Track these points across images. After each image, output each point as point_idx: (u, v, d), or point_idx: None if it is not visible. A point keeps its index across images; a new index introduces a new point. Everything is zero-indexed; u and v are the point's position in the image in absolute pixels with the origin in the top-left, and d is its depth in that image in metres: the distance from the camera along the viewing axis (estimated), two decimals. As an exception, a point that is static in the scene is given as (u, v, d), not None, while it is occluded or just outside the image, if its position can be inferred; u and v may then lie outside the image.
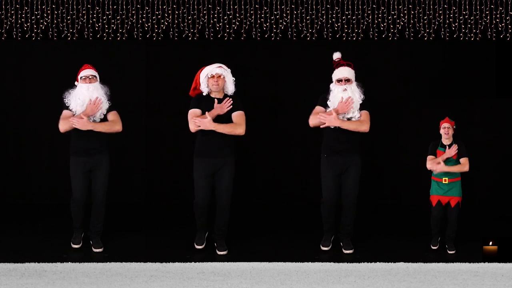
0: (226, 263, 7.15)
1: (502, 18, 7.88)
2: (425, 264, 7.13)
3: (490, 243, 7.32)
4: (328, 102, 7.41)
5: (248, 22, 7.94)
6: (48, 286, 6.53)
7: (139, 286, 6.55)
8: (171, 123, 9.15)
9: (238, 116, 7.37)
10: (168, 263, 7.08)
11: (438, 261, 7.20)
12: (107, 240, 7.72)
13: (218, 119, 7.30)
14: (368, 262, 7.15)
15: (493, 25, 7.89)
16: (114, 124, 7.40)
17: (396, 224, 8.56)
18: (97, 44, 8.81)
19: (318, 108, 7.45)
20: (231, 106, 7.35)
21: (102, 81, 7.53)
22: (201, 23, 7.94)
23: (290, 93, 9.21)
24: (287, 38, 8.00)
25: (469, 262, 7.17)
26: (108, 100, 7.41)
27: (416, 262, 7.14)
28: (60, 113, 7.40)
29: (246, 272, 6.92)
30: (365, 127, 7.38)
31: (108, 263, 7.08)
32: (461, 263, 7.14)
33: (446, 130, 7.45)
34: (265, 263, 7.13)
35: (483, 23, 7.89)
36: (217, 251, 7.47)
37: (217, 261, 7.19)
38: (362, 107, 7.40)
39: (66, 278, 6.71)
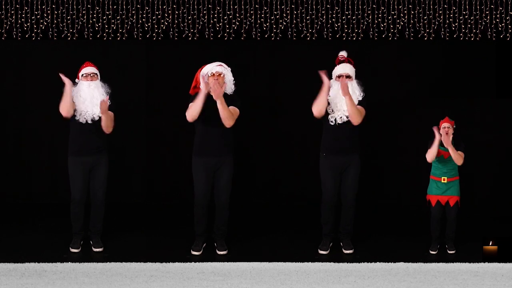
0: (226, 263, 7.15)
1: (502, 18, 7.88)
2: (425, 264, 7.13)
3: (490, 243, 7.32)
4: (328, 98, 7.40)
5: (248, 22, 7.94)
6: (48, 286, 6.52)
7: (139, 286, 6.55)
8: (171, 123, 9.14)
9: (233, 109, 7.34)
10: (168, 263, 7.08)
11: (438, 261, 7.20)
12: (107, 240, 7.72)
13: (213, 111, 7.26)
14: (368, 262, 7.15)
15: (493, 25, 7.89)
16: (112, 125, 7.39)
17: (396, 224, 8.55)
18: (97, 44, 8.80)
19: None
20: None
21: (102, 81, 7.53)
22: (201, 23, 7.94)
23: (290, 93, 9.21)
24: (287, 38, 8.00)
25: (469, 262, 7.17)
26: (109, 99, 7.41)
27: (416, 262, 7.14)
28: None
29: (246, 272, 6.91)
30: (359, 119, 7.33)
31: (108, 263, 7.08)
32: (461, 263, 7.14)
33: (446, 130, 7.44)
34: (265, 263, 7.12)
35: (483, 23, 7.89)
36: (217, 251, 7.47)
37: (217, 261, 7.19)
38: (358, 103, 7.39)
39: (66, 278, 6.71)
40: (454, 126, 7.50)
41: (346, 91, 7.22)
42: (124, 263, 7.08)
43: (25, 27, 7.88)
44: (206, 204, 7.46)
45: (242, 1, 7.92)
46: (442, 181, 7.47)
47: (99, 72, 7.52)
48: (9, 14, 7.87)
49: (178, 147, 9.22)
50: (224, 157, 7.38)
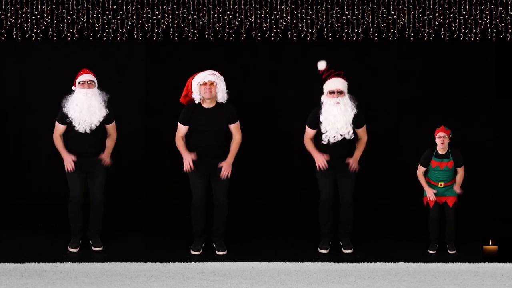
0: (226, 263, 7.15)
1: (502, 18, 7.87)
2: (425, 264, 7.12)
3: (490, 243, 7.32)
4: (320, 117, 7.33)
5: (248, 22, 7.93)
6: (48, 286, 6.52)
7: (139, 286, 6.55)
8: (171, 123, 9.12)
9: (237, 129, 7.41)
10: (168, 263, 7.08)
11: (438, 261, 7.20)
12: (107, 240, 7.71)
13: (203, 119, 7.29)
14: (368, 262, 7.15)
15: (493, 25, 7.88)
16: (114, 139, 7.48)
17: (396, 224, 8.55)
18: (97, 44, 8.80)
19: (310, 132, 7.42)
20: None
21: (102, 82, 7.52)
22: (201, 23, 7.94)
23: (290, 93, 9.20)
24: (287, 38, 7.99)
25: (469, 262, 7.17)
26: (106, 107, 7.37)
27: (416, 262, 7.14)
28: (56, 117, 7.36)
29: (246, 272, 6.91)
30: (365, 141, 7.46)
31: (108, 263, 7.08)
32: (461, 263, 7.14)
33: (441, 139, 7.40)
34: (265, 263, 7.12)
35: (483, 23, 7.89)
36: (216, 251, 7.47)
37: (217, 261, 7.19)
38: (357, 122, 7.34)
39: (66, 278, 6.71)
40: (450, 135, 7.47)
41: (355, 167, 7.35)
42: (124, 263, 7.08)
43: (25, 27, 7.87)
44: (203, 206, 7.45)
45: (242, 1, 7.92)
46: (439, 186, 7.48)
47: (99, 74, 7.51)
48: (9, 14, 7.86)
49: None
50: (220, 159, 7.37)
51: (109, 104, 7.43)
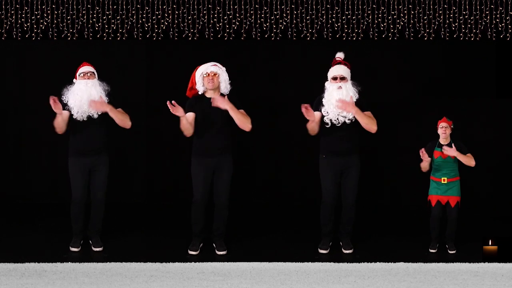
0: (226, 263, 7.15)
1: (502, 18, 7.87)
2: (425, 264, 7.13)
3: (490, 243, 7.32)
4: (323, 100, 7.39)
5: (248, 22, 7.94)
6: (48, 286, 6.53)
7: (139, 286, 6.55)
8: (171, 123, 9.13)
9: (243, 113, 7.35)
10: (168, 263, 7.08)
11: (438, 261, 7.20)
12: (107, 240, 7.72)
13: (210, 112, 7.27)
14: (368, 262, 7.15)
15: (493, 25, 7.88)
16: (127, 118, 7.42)
17: (396, 224, 8.56)
18: (97, 44, 8.81)
19: (315, 114, 7.42)
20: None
21: (101, 80, 7.53)
22: (201, 23, 7.94)
23: (290, 93, 9.21)
24: (287, 38, 8.00)
25: (469, 262, 7.17)
26: (107, 96, 7.42)
27: (416, 262, 7.14)
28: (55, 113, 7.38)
29: (246, 272, 6.92)
30: (375, 127, 7.35)
31: (108, 263, 7.08)
32: (461, 263, 7.14)
33: (443, 130, 7.45)
34: (265, 263, 7.13)
35: (483, 23, 7.89)
36: (216, 251, 7.47)
37: (217, 261, 7.19)
38: (362, 107, 7.37)
39: (66, 278, 6.71)
40: (452, 126, 7.50)
41: (349, 109, 7.22)
42: (124, 263, 7.08)
43: (25, 27, 7.88)
44: (204, 205, 7.46)
45: (242, 1, 7.92)
46: (442, 182, 7.47)
47: (99, 73, 7.53)
48: (9, 14, 7.86)
49: (178, 147, 9.22)
50: (223, 157, 7.38)
51: (110, 94, 7.44)
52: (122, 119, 7.38)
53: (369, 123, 7.31)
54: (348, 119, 7.34)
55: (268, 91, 9.29)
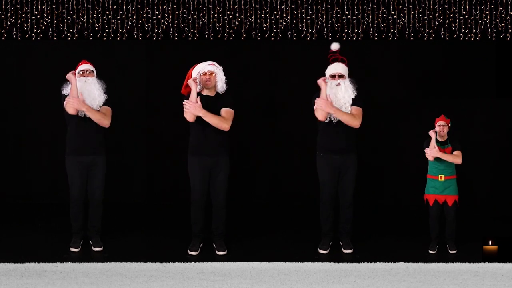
0: (226, 263, 7.15)
1: (502, 18, 7.88)
2: (425, 264, 7.13)
3: (490, 243, 7.32)
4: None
5: (248, 22, 7.94)
6: (48, 286, 6.52)
7: (139, 286, 6.55)
8: (171, 123, 9.15)
9: (227, 112, 7.34)
10: (168, 263, 7.08)
11: (438, 261, 7.20)
12: (107, 240, 7.71)
13: (207, 111, 7.27)
14: (368, 262, 7.15)
15: (493, 25, 7.89)
16: (104, 117, 7.41)
17: (396, 224, 8.56)
18: (97, 44, 8.81)
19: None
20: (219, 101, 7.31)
21: (101, 79, 7.53)
22: (201, 23, 7.94)
23: (290, 93, 9.21)
24: (287, 38, 8.00)
25: (469, 262, 7.17)
26: (105, 94, 7.43)
27: (416, 262, 7.14)
28: (61, 104, 7.37)
29: (246, 272, 6.91)
30: (356, 122, 7.34)
31: (108, 263, 7.08)
32: (461, 263, 7.14)
33: (441, 128, 7.45)
34: (265, 263, 7.12)
35: (483, 23, 7.89)
36: (216, 251, 7.47)
37: (217, 261, 7.19)
38: (354, 102, 7.37)
39: (66, 278, 6.71)
40: (450, 124, 7.51)
41: (327, 109, 7.23)
42: (124, 263, 7.08)
43: (25, 27, 7.88)
44: (203, 204, 7.46)
45: (242, 1, 7.92)
46: (439, 179, 7.46)
47: (99, 73, 7.54)
48: (9, 14, 7.87)
49: (177, 147, 9.21)
50: (219, 157, 7.37)
51: (108, 92, 7.45)
52: (98, 119, 7.37)
53: (349, 120, 7.31)
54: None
55: (268, 91, 9.29)
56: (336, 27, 7.94)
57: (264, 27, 7.95)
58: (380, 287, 6.57)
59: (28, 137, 9.34)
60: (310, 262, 7.14)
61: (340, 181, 7.50)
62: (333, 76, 7.40)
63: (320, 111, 7.32)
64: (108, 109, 7.44)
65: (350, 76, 7.44)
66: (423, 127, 8.88)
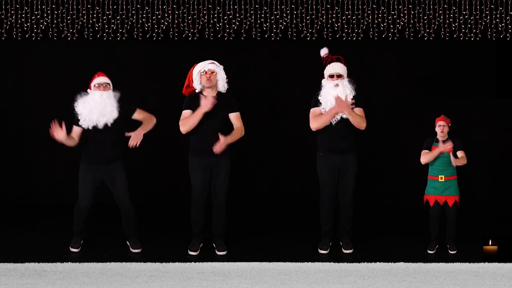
0: (226, 263, 7.15)
1: (502, 18, 7.88)
2: (425, 264, 7.13)
3: (490, 243, 7.32)
4: (319, 98, 7.40)
5: (248, 22, 7.94)
6: (48, 286, 6.53)
7: (139, 286, 6.55)
8: (171, 123, 9.14)
9: (237, 118, 7.36)
10: (168, 263, 7.08)
11: (438, 261, 7.20)
12: (107, 240, 7.71)
13: (212, 117, 7.26)
14: (368, 262, 7.15)
15: (493, 25, 7.89)
16: (152, 120, 7.46)
17: (396, 224, 8.56)
18: (97, 44, 8.81)
19: (316, 110, 7.42)
20: (217, 102, 7.29)
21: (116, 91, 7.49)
22: (201, 23, 7.95)
23: (290, 93, 9.21)
24: (287, 38, 8.00)
25: (469, 262, 7.17)
26: (119, 104, 7.35)
27: (416, 262, 7.14)
28: (69, 121, 7.31)
29: (246, 272, 6.92)
30: (365, 124, 7.37)
31: (108, 263, 7.08)
32: (461, 263, 7.14)
33: (441, 128, 7.45)
34: (265, 263, 7.13)
35: (483, 23, 7.89)
36: (216, 251, 7.47)
37: (217, 261, 7.19)
38: (357, 104, 7.37)
39: (66, 278, 6.71)
40: (450, 124, 7.51)
41: (343, 109, 7.23)
42: (124, 263, 7.08)
43: (25, 27, 7.88)
44: (203, 204, 7.46)
45: (242, 1, 7.92)
46: (440, 180, 7.46)
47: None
48: (9, 14, 7.87)
49: (177, 147, 9.22)
50: (220, 157, 7.36)
51: (121, 101, 7.38)
52: (151, 127, 7.45)
53: (359, 121, 7.33)
54: (346, 116, 7.35)
55: (268, 91, 9.29)
56: (336, 27, 7.94)
57: (264, 27, 7.95)
58: (380, 287, 6.57)
59: (28, 137, 9.34)
60: (310, 262, 7.14)
61: (340, 181, 7.50)
62: (331, 76, 7.40)
63: (316, 124, 7.33)
64: (141, 111, 7.43)
65: (349, 76, 7.44)
66: (423, 127, 8.90)
